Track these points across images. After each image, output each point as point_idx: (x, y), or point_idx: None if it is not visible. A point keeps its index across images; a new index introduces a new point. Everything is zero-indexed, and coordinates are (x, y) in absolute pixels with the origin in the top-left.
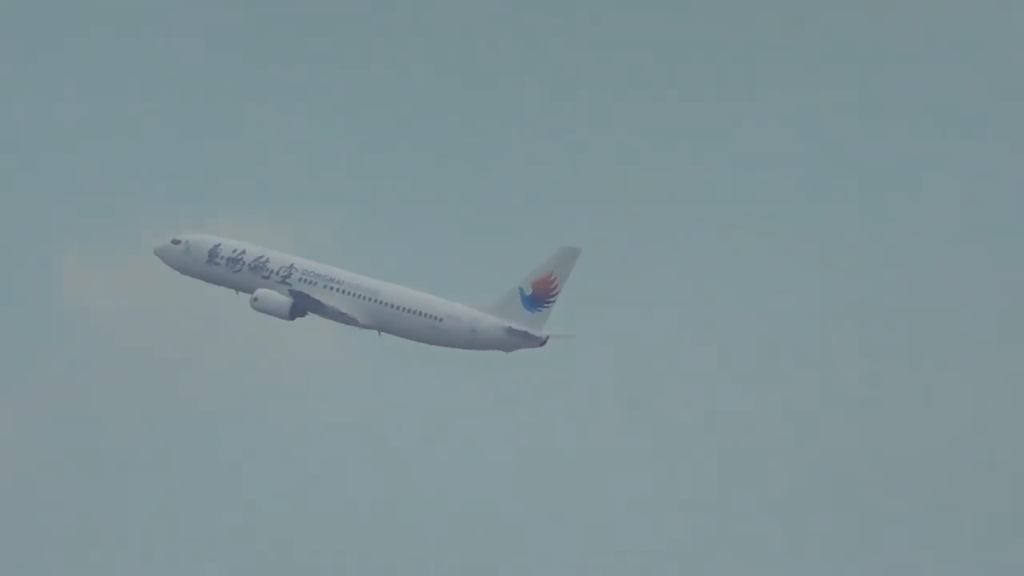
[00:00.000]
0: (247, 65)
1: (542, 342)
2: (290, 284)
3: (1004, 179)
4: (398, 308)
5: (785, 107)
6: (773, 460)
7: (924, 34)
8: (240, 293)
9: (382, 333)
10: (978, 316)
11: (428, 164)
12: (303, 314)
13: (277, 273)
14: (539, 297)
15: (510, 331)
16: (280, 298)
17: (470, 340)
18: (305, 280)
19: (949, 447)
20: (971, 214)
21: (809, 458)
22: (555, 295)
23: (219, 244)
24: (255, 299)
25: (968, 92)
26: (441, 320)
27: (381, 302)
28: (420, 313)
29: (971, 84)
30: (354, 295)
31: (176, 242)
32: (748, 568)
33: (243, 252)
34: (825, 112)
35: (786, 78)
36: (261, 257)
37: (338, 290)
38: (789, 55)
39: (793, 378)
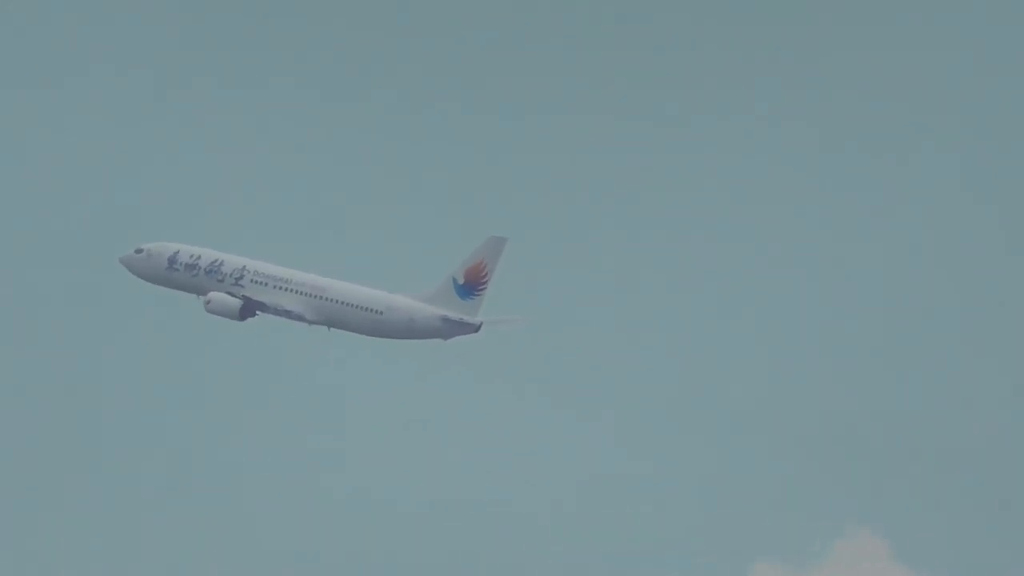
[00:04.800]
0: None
1: (477, 328)
2: (242, 286)
3: None
4: (343, 303)
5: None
6: (706, 442)
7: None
8: (200, 297)
9: (331, 328)
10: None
11: (358, 153)
12: (253, 314)
13: (230, 276)
14: (471, 285)
15: (446, 319)
16: (230, 300)
17: (410, 330)
18: (256, 282)
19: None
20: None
21: (754, 433)
22: (486, 283)
23: (178, 251)
24: (207, 302)
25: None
26: (382, 313)
27: (328, 299)
28: (363, 307)
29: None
30: (303, 293)
31: (139, 251)
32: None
33: (199, 257)
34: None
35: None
36: (216, 261)
37: (288, 289)
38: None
39: (734, 361)
